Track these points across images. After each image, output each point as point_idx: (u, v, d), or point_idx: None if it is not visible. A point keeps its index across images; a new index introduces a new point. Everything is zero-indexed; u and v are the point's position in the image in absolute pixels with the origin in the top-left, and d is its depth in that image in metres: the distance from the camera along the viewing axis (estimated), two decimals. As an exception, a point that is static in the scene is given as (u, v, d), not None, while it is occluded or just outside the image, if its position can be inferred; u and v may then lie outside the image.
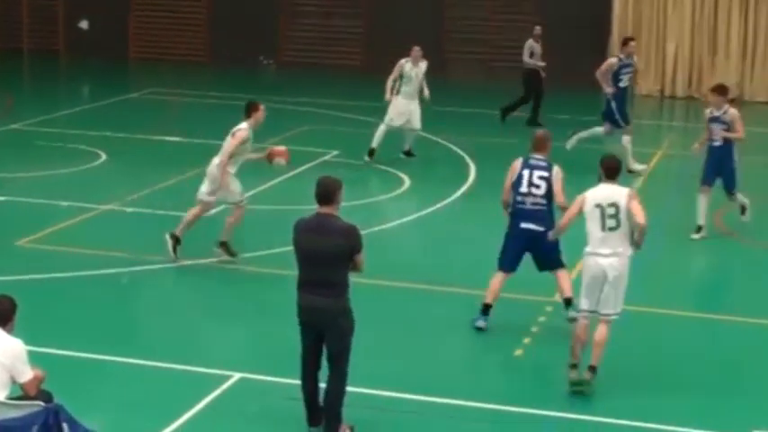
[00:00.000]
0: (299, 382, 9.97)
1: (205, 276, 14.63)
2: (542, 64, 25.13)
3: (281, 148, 15.11)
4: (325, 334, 9.66)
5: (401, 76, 20.96)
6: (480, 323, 12.76)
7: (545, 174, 12.39)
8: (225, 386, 10.96)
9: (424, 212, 17.84)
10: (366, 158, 21.14)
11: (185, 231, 15.02)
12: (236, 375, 11.18)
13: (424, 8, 32.29)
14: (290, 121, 25.07)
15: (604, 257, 10.83)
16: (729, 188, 16.57)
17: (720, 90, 16.74)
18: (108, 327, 12.73)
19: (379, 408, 10.66)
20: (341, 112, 26.18)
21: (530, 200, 12.47)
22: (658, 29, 30.91)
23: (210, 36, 34.39)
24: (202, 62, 34.21)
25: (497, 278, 12.94)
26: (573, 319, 12.44)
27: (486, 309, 12.84)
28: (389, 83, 20.97)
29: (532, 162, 12.49)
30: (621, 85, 20.99)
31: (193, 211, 15.10)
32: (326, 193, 9.67)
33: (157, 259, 14.88)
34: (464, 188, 19.56)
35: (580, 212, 11.04)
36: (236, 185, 14.95)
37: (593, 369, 11.06)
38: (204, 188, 14.93)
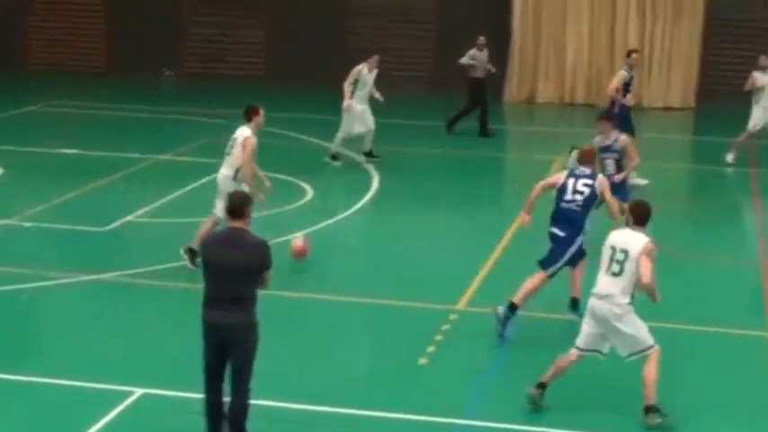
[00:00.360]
0: (202, 396, 9.89)
1: (106, 291, 14.44)
2: (483, 67, 25.48)
3: (301, 247, 15.09)
4: (232, 349, 9.60)
5: (357, 81, 21.90)
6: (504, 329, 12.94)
7: (589, 181, 12.99)
8: (127, 402, 10.82)
9: (326, 223, 17.80)
10: (332, 162, 22.01)
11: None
12: (139, 391, 11.03)
13: (326, 17, 32.28)
14: (192, 132, 24.95)
15: (597, 299, 10.75)
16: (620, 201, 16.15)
17: (608, 116, 16.12)
18: (6, 344, 12.51)
19: (284, 420, 10.61)
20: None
21: (572, 204, 12.97)
22: (558, 37, 31.26)
23: (110, 47, 34.05)
24: (102, 73, 33.84)
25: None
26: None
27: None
28: (347, 87, 21.85)
29: (578, 172, 13.12)
30: (620, 99, 20.56)
31: (205, 226, 14.88)
32: (237, 208, 9.65)
33: (57, 275, 14.67)
34: (366, 198, 19.58)
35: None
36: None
37: (646, 409, 10.71)
38: (218, 205, 14.78)
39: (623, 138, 15.84)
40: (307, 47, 32.34)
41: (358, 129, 21.99)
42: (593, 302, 10.84)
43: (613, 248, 10.76)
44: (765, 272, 15.96)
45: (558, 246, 12.97)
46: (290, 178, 20.50)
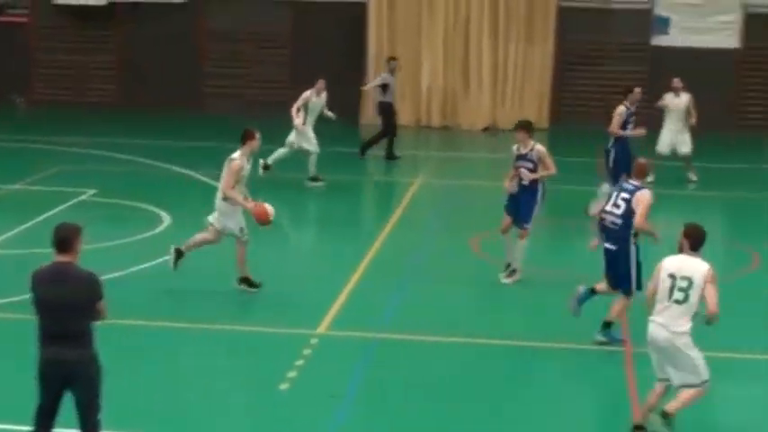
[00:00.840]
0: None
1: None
2: (393, 91, 26.00)
3: (264, 213, 15.27)
4: (73, 385, 9.36)
5: (306, 106, 22.43)
6: (598, 337, 13.57)
7: (628, 196, 13.31)
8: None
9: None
10: (314, 184, 22.48)
11: (191, 250, 15.65)
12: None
13: (179, 42, 31.97)
14: (44, 161, 24.43)
15: (659, 326, 10.60)
16: (521, 221, 15.97)
17: (527, 126, 16.01)
18: None
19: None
20: (97, 149, 25.64)
21: (609, 218, 13.43)
22: (413, 60, 31.41)
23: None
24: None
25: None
26: (598, 342, 13.41)
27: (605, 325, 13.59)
28: (294, 111, 22.38)
29: (624, 185, 13.58)
30: (627, 134, 21.02)
31: (201, 235, 15.64)
32: (64, 241, 9.37)
33: None
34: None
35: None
36: (238, 218, 15.27)
37: (663, 414, 10.59)
38: (212, 217, 15.49)
39: (539, 148, 15.79)
40: (160, 72, 32.00)
41: (306, 146, 22.41)
42: (653, 330, 10.66)
43: (673, 276, 10.57)
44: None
45: (616, 262, 13.42)
46: (144, 205, 20.20)
